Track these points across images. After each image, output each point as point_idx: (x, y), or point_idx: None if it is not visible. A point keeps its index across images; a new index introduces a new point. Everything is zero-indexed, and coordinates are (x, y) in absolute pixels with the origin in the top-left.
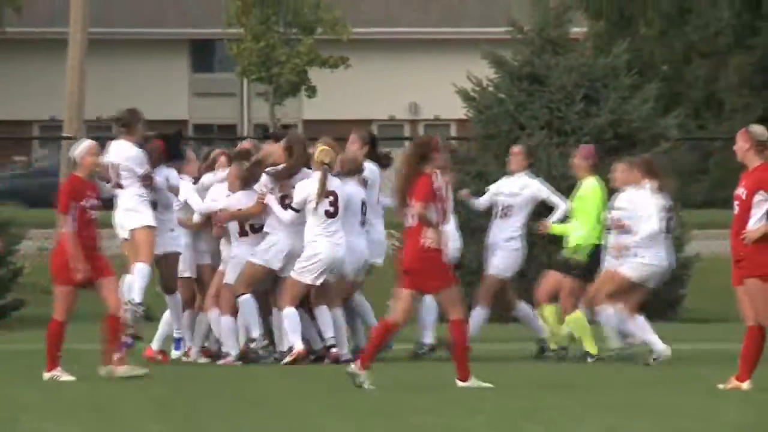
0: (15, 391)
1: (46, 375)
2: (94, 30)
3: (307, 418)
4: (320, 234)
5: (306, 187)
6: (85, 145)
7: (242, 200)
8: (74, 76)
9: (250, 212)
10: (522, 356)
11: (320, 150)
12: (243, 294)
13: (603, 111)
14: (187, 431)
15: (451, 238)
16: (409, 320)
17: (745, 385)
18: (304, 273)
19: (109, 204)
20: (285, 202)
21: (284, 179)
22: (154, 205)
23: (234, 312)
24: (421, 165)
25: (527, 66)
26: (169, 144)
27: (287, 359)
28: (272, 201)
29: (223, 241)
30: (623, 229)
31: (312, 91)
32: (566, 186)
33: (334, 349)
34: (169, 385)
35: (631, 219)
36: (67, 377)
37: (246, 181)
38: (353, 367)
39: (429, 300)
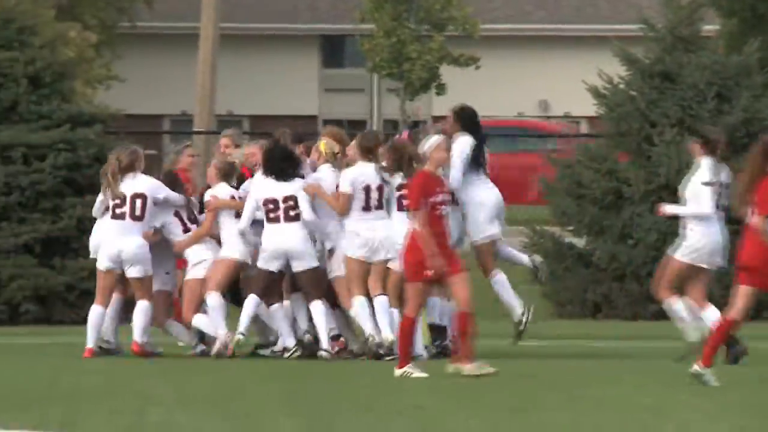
0: (146, 383)
1: (398, 371)
2: (225, 25)
3: (439, 413)
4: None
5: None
6: (435, 140)
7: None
8: (205, 70)
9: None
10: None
11: (324, 143)
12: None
13: (735, 109)
14: (317, 424)
15: None
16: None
17: None
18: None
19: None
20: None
21: None
22: None
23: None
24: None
25: (659, 64)
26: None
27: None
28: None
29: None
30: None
31: (442, 89)
32: None
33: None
34: (292, 379)
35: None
36: (419, 373)
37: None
38: (697, 367)
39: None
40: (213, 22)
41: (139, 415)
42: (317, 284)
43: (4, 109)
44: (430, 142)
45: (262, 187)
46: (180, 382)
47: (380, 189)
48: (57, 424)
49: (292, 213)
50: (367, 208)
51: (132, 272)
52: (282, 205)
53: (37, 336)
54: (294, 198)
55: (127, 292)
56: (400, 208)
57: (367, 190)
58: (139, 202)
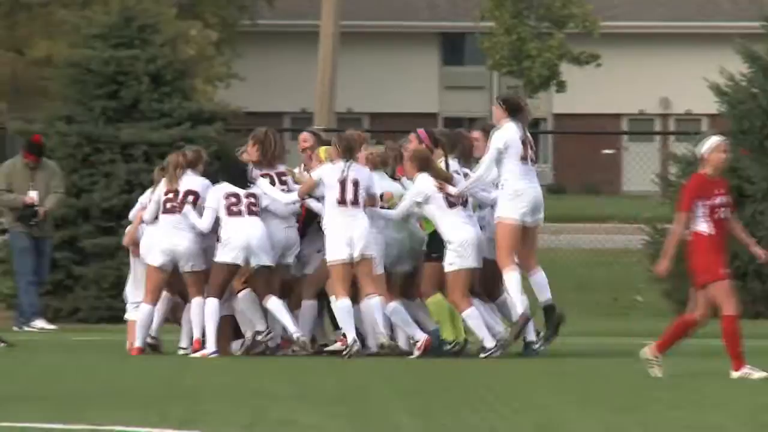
0: (266, 381)
1: (735, 374)
2: (346, 23)
3: (554, 409)
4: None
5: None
6: (713, 141)
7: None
8: (325, 68)
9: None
10: None
11: (324, 150)
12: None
13: None
14: (434, 425)
15: None
16: None
17: None
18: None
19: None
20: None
21: None
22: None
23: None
24: None
25: None
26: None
27: (417, 353)
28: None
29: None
30: None
31: (561, 86)
32: None
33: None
34: (414, 377)
35: None
36: (759, 374)
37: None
38: None
39: None
40: (333, 19)
41: (260, 412)
42: (270, 282)
43: (126, 107)
44: (709, 143)
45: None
46: (300, 379)
47: (356, 184)
48: (177, 422)
49: (253, 208)
50: (342, 202)
51: (187, 267)
52: (244, 200)
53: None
54: (255, 195)
55: (175, 291)
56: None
57: (342, 183)
58: (191, 198)
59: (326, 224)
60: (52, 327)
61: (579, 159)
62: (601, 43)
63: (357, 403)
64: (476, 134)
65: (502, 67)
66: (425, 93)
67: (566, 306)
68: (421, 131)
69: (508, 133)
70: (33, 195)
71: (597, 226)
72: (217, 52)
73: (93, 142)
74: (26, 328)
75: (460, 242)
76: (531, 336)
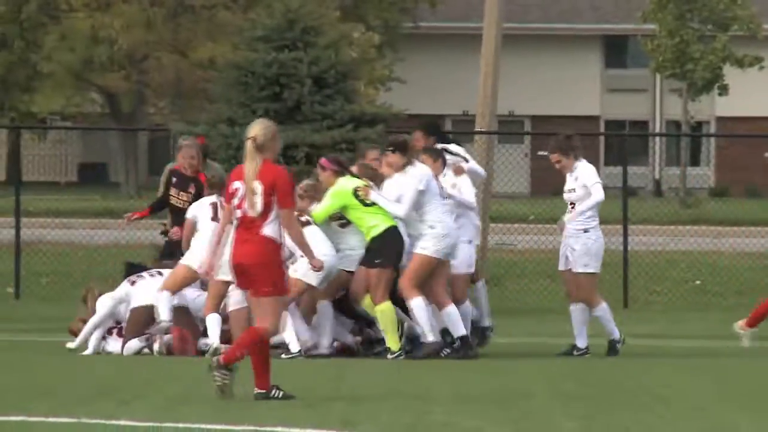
0: (426, 382)
1: None
2: (508, 25)
3: (715, 412)
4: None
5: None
6: None
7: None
8: (487, 71)
9: None
10: None
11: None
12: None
13: None
14: (597, 428)
15: None
16: None
17: None
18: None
19: None
20: None
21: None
22: None
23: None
24: None
25: None
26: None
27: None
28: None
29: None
30: None
31: (724, 89)
32: None
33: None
34: (577, 380)
35: None
36: None
37: None
38: None
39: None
40: (496, 22)
41: (421, 414)
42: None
43: (289, 109)
44: None
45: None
46: (458, 381)
47: None
48: (339, 422)
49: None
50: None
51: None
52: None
53: None
54: None
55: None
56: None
57: None
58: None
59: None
60: None
61: (741, 162)
62: (764, 46)
63: (518, 406)
64: (417, 135)
65: (665, 69)
66: (587, 96)
67: (727, 310)
68: (322, 160)
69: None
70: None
71: (760, 230)
72: (379, 55)
73: None
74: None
75: (444, 231)
76: (615, 335)
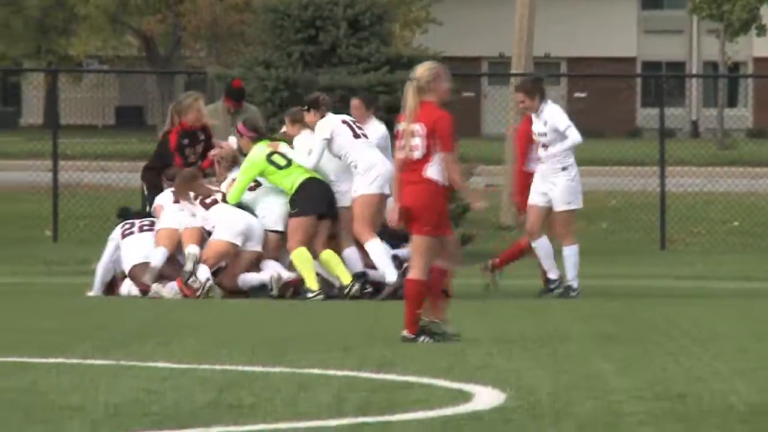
0: (466, 324)
1: None
2: None
3: (754, 353)
4: None
5: None
6: None
7: None
8: (523, 12)
9: None
10: None
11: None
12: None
13: None
14: (635, 369)
15: None
16: None
17: None
18: None
19: None
20: None
21: None
22: None
23: None
24: None
25: None
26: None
27: None
28: None
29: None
30: None
31: (762, 30)
32: None
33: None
34: (614, 321)
35: None
36: None
37: None
38: None
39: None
40: None
41: (458, 356)
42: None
43: (324, 52)
44: None
45: None
46: (494, 322)
47: None
48: (376, 365)
49: None
50: None
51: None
52: None
53: None
54: None
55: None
56: None
57: None
58: None
59: None
60: None
61: None
62: None
63: (555, 348)
64: (355, 102)
65: (702, 11)
66: (624, 37)
67: (765, 251)
68: (239, 125)
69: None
70: (233, 140)
71: None
72: None
73: (291, 87)
74: None
75: (366, 166)
76: (552, 275)
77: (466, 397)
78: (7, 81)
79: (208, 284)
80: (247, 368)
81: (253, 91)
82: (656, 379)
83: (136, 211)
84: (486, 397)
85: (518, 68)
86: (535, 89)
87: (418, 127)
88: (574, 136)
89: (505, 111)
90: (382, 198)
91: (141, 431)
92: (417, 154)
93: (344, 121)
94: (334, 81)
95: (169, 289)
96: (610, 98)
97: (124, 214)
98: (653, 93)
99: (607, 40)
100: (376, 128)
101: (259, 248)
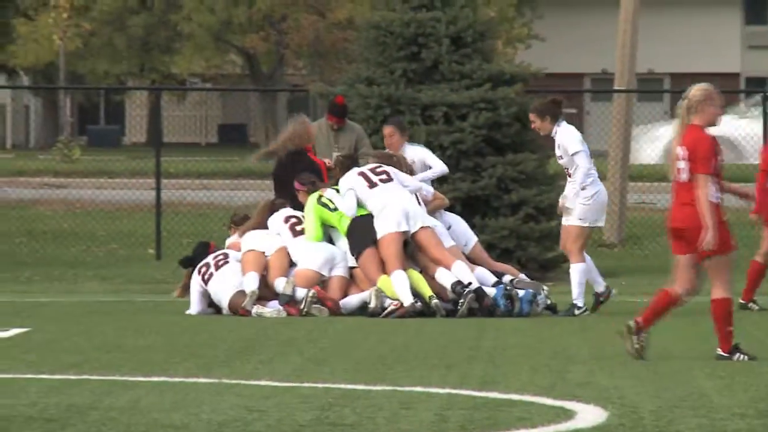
0: (568, 342)
1: None
2: None
3: None
4: None
5: None
6: None
7: None
8: (626, 29)
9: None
10: None
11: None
12: None
13: None
14: (737, 385)
15: None
16: None
17: None
18: None
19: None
20: None
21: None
22: None
23: None
24: None
25: None
26: None
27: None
28: None
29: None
30: None
31: None
32: None
33: None
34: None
35: None
36: None
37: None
38: None
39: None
40: None
41: (559, 374)
42: None
43: (427, 68)
44: None
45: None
46: (596, 340)
47: None
48: (478, 383)
49: None
50: None
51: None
52: None
53: None
54: None
55: None
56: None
57: None
58: None
59: None
60: None
61: None
62: None
63: (657, 365)
64: (388, 130)
65: None
66: (727, 53)
67: None
68: (296, 182)
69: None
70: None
71: None
72: (517, 14)
73: (393, 104)
74: None
75: (384, 209)
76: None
77: (569, 414)
78: (111, 99)
79: (310, 295)
80: (349, 386)
81: (356, 109)
82: (760, 396)
83: (193, 254)
84: (588, 415)
85: (621, 84)
86: (545, 110)
87: (681, 151)
88: (581, 162)
89: (608, 127)
90: (401, 234)
91: None
92: (683, 177)
93: (360, 173)
94: (437, 98)
95: (271, 309)
96: None
97: (189, 262)
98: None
99: (711, 55)
100: (412, 151)
101: (345, 273)
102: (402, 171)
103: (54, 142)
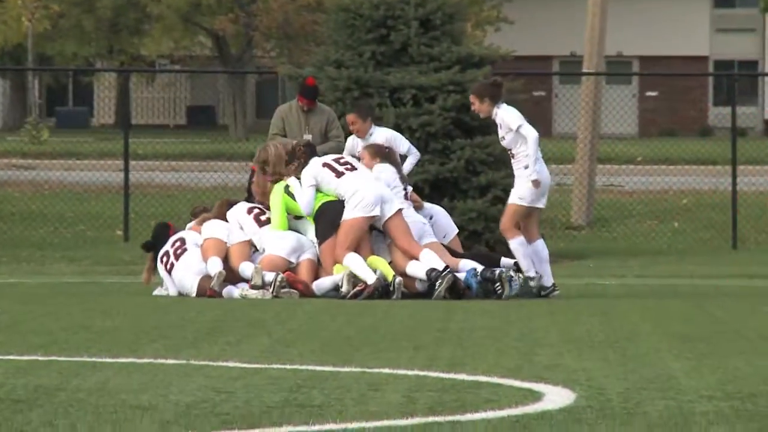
0: (536, 324)
1: None
2: None
3: None
4: None
5: None
6: None
7: None
8: (595, 11)
9: None
10: None
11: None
12: None
13: None
14: (706, 369)
15: None
16: None
17: None
18: None
19: None
20: None
21: None
22: None
23: None
24: None
25: None
26: None
27: None
28: None
29: None
30: None
31: None
32: None
33: None
34: (684, 321)
35: None
36: None
37: None
38: None
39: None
40: None
41: (526, 356)
42: None
43: (395, 51)
44: None
45: None
46: (564, 322)
47: None
48: (446, 365)
49: None
50: None
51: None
52: None
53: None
54: None
55: None
56: None
57: None
58: None
59: None
60: None
61: None
62: None
63: (626, 347)
64: (350, 117)
65: None
66: (696, 36)
67: None
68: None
69: None
70: (307, 139)
71: None
72: None
73: (362, 87)
74: None
75: (353, 195)
76: (531, 273)
77: (536, 396)
78: (79, 81)
79: (279, 279)
80: (317, 368)
81: (325, 91)
82: (727, 378)
83: (153, 237)
84: (556, 397)
85: (589, 67)
86: (484, 92)
87: None
88: (529, 132)
89: (576, 110)
90: (368, 220)
91: (212, 431)
92: None
93: (325, 164)
94: (405, 80)
95: (241, 288)
96: (682, 97)
97: (151, 246)
98: (725, 92)
99: (680, 38)
100: (380, 134)
101: (314, 257)
102: (394, 161)
103: (22, 123)
